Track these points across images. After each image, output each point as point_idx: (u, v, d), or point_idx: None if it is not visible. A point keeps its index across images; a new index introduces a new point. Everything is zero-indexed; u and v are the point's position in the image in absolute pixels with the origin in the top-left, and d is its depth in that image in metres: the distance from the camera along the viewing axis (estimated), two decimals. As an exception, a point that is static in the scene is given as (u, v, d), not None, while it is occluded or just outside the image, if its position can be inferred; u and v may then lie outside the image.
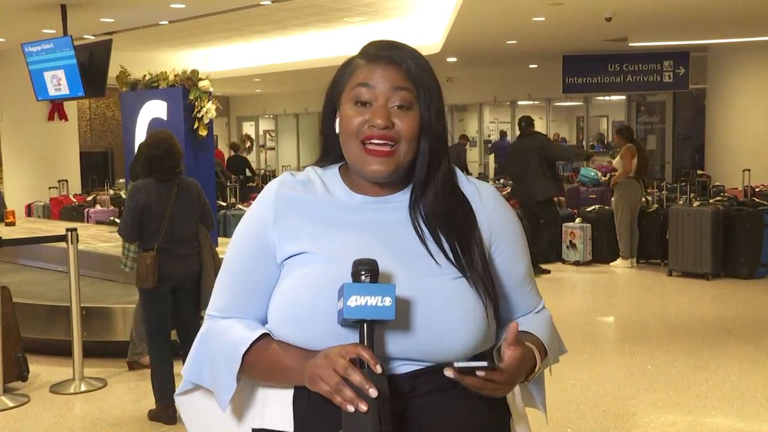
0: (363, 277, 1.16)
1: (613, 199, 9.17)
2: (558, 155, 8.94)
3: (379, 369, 1.12)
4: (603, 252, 9.19)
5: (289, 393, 1.29)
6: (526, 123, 8.82)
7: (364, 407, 1.10)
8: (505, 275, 1.39)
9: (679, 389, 4.91)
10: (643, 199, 9.30)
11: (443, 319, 1.24)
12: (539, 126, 19.75)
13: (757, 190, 10.18)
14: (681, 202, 9.02)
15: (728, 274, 8.26)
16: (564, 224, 9.34)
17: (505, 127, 19.37)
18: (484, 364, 1.19)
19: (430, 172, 1.34)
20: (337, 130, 1.34)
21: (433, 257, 1.29)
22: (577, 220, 9.41)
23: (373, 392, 1.11)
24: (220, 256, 4.48)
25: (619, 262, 9.03)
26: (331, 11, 10.28)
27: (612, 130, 19.22)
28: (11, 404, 4.72)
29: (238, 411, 1.36)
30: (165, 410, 4.34)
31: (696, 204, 8.54)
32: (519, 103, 17.88)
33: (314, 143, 22.07)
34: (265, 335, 1.29)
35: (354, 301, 1.14)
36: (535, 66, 15.24)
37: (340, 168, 1.39)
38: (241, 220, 1.41)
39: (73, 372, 5.02)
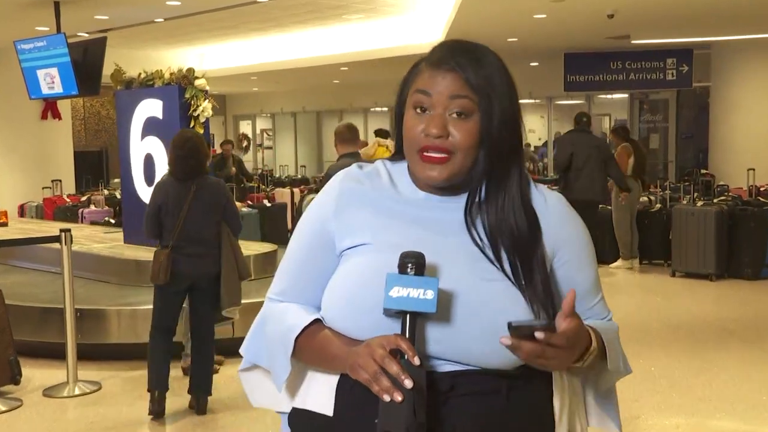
0: (409, 269, 1.20)
1: (611, 199, 9.18)
2: (616, 168, 8.60)
3: (417, 361, 1.15)
4: (604, 253, 9.19)
5: (334, 379, 1.34)
6: (588, 119, 8.59)
7: (399, 397, 1.13)
8: (567, 287, 1.36)
9: (682, 391, 4.91)
10: (645, 198, 9.30)
11: (488, 324, 1.24)
12: (539, 125, 19.86)
13: (761, 189, 10.19)
14: (684, 202, 9.03)
15: (732, 274, 8.27)
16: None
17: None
18: (543, 322, 1.20)
19: (491, 182, 1.34)
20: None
21: (491, 262, 1.30)
22: (579, 220, 9.41)
23: (408, 383, 1.13)
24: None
25: (619, 263, 9.03)
26: (328, 8, 10.29)
27: (614, 129, 19.33)
28: (3, 408, 4.72)
29: (288, 389, 1.42)
30: (151, 400, 4.42)
31: (699, 204, 8.55)
32: (520, 101, 17.86)
33: (312, 142, 22.13)
34: (316, 321, 1.34)
35: (396, 292, 1.18)
36: (536, 64, 15.25)
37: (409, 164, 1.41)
38: (306, 208, 1.48)
39: (66, 375, 5.02)
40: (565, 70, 13.50)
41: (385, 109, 20.18)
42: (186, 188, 4.44)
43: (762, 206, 8.45)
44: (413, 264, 1.20)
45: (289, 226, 10.49)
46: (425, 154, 1.31)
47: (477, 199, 1.34)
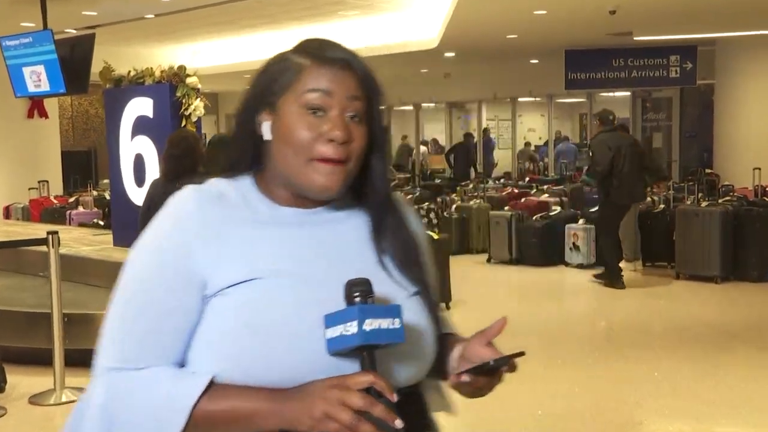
0: (357, 299, 1.10)
1: None
2: (652, 158, 8.49)
3: (395, 397, 1.07)
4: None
5: None
6: (614, 116, 8.44)
7: None
8: None
9: (686, 396, 4.91)
10: (648, 198, 9.31)
11: (411, 346, 1.18)
12: (539, 124, 19.90)
13: (767, 189, 10.21)
14: (688, 202, 9.03)
15: (738, 276, 8.27)
16: (567, 226, 9.35)
17: (505, 124, 19.43)
18: (504, 359, 1.19)
19: (387, 190, 1.29)
20: (267, 136, 1.24)
21: (389, 274, 1.24)
22: (581, 221, 9.42)
23: (399, 423, 1.05)
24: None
25: (622, 265, 9.03)
26: (324, 5, 10.29)
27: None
28: (-10, 415, 4.71)
29: None
30: None
31: (704, 204, 8.56)
32: (519, 99, 17.92)
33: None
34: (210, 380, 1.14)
35: (369, 324, 1.07)
36: (537, 61, 15.27)
37: (253, 178, 1.27)
38: (139, 244, 1.23)
39: (53, 382, 5.00)
40: (565, 68, 13.54)
41: (382, 107, 20.15)
42: (175, 188, 4.43)
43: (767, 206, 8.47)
44: (362, 293, 1.11)
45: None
46: (321, 162, 1.20)
47: (379, 211, 1.27)
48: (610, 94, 17.39)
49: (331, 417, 1.06)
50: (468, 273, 9.04)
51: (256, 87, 1.28)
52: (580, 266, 9.16)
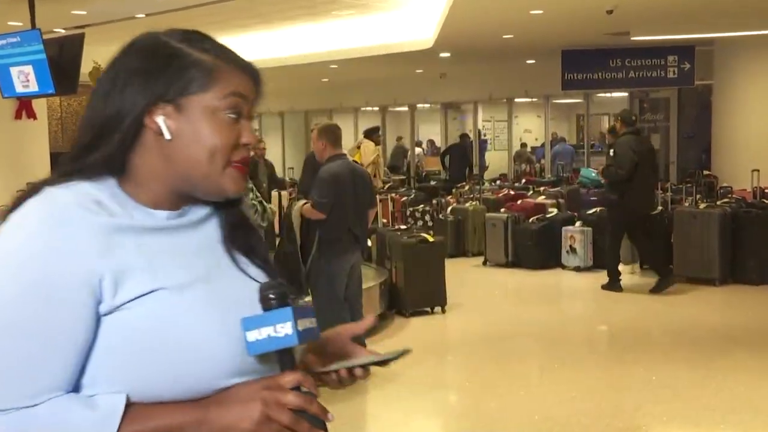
0: (273, 302, 1.12)
1: None
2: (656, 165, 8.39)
3: (318, 392, 1.13)
4: (605, 257, 9.20)
5: None
6: (636, 118, 8.32)
7: None
8: None
9: (685, 401, 4.92)
10: None
11: None
12: (536, 125, 19.93)
13: (766, 191, 10.22)
14: (687, 204, 9.04)
15: (737, 279, 8.29)
16: (564, 228, 9.36)
17: (501, 125, 19.44)
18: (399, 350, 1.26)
19: None
20: (168, 136, 1.16)
21: (251, 270, 1.25)
22: (578, 223, 9.44)
23: (331, 417, 1.12)
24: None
25: (620, 268, 9.04)
26: (318, 4, 10.29)
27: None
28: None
29: None
30: None
31: (702, 206, 8.57)
32: (516, 100, 17.93)
33: (300, 143, 22.10)
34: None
35: (253, 336, 1.10)
36: (533, 61, 15.29)
37: (116, 179, 1.19)
38: (6, 258, 1.08)
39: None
40: (562, 68, 13.55)
41: (376, 108, 20.19)
42: None
43: (767, 208, 8.48)
44: (277, 295, 1.13)
45: (276, 231, 10.46)
46: (236, 168, 1.20)
47: (230, 209, 1.27)
48: (608, 94, 17.43)
49: (272, 418, 1.08)
50: (464, 276, 9.05)
51: (138, 75, 1.17)
52: (577, 269, 9.17)
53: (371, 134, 10.37)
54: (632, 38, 11.73)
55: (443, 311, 7.32)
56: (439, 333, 6.99)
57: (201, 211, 1.24)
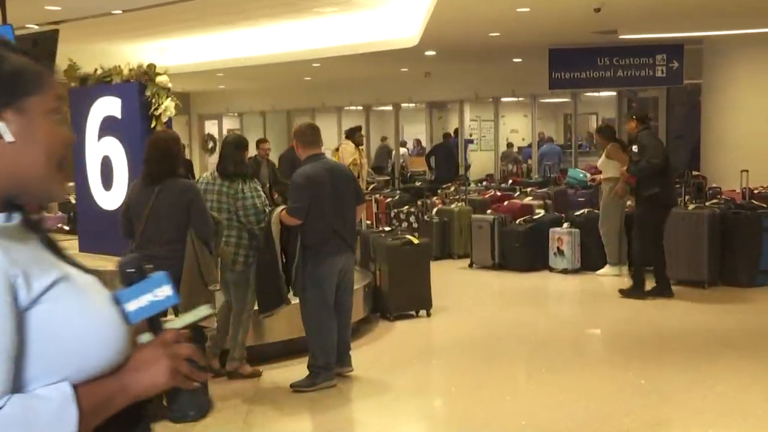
0: (135, 275, 1.31)
1: (601, 201, 9.23)
2: None
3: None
4: (593, 259, 9.24)
5: None
6: (652, 117, 8.45)
7: (204, 376, 1.37)
8: None
9: (674, 405, 4.95)
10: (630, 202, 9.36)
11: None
12: (523, 125, 19.99)
13: (755, 192, 10.29)
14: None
15: (726, 281, 8.35)
16: (551, 230, 9.39)
17: (487, 125, 19.48)
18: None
19: None
20: (9, 138, 1.20)
21: (81, 267, 1.35)
22: (565, 225, 9.47)
23: (203, 361, 1.41)
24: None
25: (606, 269, 9.08)
26: (301, 0, 10.27)
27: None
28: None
29: None
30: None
31: (691, 207, 8.62)
32: (502, 99, 17.97)
33: (283, 143, 22.14)
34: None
35: (133, 305, 1.28)
36: (520, 60, 15.33)
37: None
38: None
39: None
40: (549, 67, 13.59)
41: (360, 108, 20.17)
42: (151, 191, 4.71)
43: (756, 210, 8.54)
44: (136, 269, 1.31)
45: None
46: (61, 167, 1.28)
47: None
48: (596, 94, 17.50)
49: (178, 370, 1.28)
50: (449, 278, 9.06)
51: None
52: (565, 271, 9.20)
53: (352, 134, 10.31)
54: (620, 36, 11.78)
55: (428, 315, 7.32)
56: (425, 337, 7.00)
57: (17, 216, 1.27)
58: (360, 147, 10.30)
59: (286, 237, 5.17)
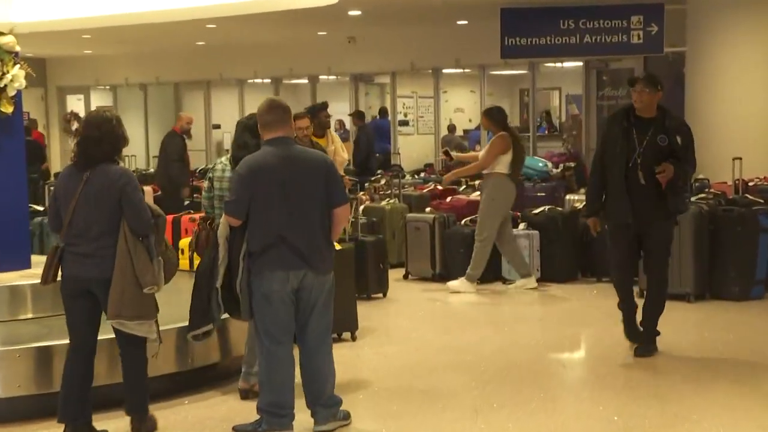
0: None
1: (481, 200, 9.32)
2: None
3: None
4: (555, 267, 9.35)
5: None
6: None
7: None
8: None
9: (653, 447, 5.02)
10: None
11: None
12: (469, 103, 20.12)
13: (750, 184, 10.47)
14: (654, 202, 9.25)
15: (715, 294, 8.48)
16: (504, 232, 9.46)
17: (426, 103, 19.56)
18: None
19: None
20: None
21: None
22: (522, 225, 9.55)
23: None
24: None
25: (522, 282, 9.16)
26: (188, -56, 10.15)
27: (566, 106, 19.69)
28: None
29: None
30: None
31: (673, 203, 8.76)
32: (444, 71, 18.07)
33: (168, 124, 21.85)
34: None
35: None
36: (465, 22, 15.43)
37: None
38: None
39: None
40: (501, 31, 13.66)
41: (268, 80, 20.03)
42: (80, 177, 4.87)
43: (751, 206, 8.66)
44: None
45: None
46: None
47: None
48: (558, 64, 17.72)
49: None
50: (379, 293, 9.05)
51: None
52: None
53: (315, 115, 9.57)
54: (588, -6, 11.92)
55: (353, 338, 7.30)
56: (349, 367, 6.95)
57: None
58: (329, 130, 9.61)
59: (231, 241, 5.06)
